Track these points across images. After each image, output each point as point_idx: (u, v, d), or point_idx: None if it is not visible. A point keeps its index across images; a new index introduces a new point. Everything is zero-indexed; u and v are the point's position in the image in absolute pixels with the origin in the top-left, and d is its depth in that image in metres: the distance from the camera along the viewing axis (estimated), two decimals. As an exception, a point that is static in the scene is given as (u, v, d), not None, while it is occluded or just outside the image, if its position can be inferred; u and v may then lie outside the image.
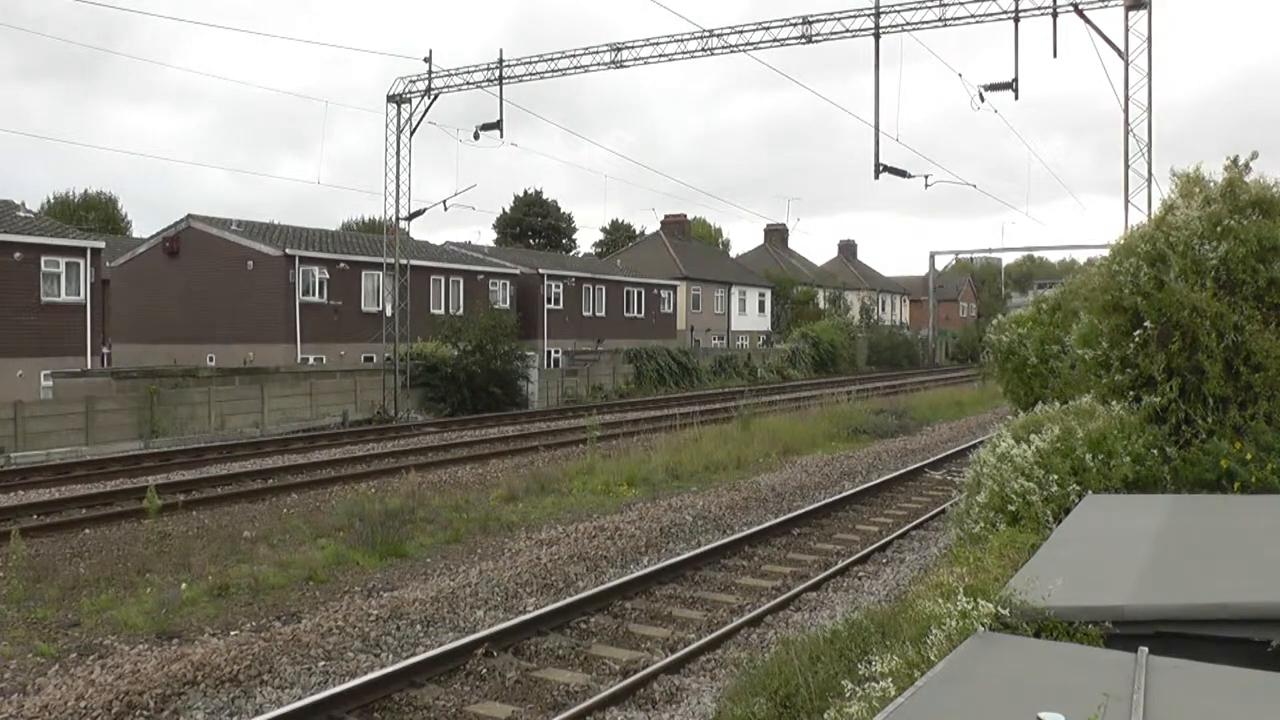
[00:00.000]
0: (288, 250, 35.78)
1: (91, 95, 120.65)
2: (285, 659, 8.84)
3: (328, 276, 37.01)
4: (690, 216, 73.36)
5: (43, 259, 29.44)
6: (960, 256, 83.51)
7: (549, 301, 48.21)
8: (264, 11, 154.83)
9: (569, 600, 10.39)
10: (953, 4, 23.11)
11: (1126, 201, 21.77)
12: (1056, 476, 7.76)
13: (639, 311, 55.16)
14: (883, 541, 13.74)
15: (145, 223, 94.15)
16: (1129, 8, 21.49)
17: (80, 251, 30.66)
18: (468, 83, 29.80)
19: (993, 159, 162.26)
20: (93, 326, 30.84)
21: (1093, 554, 5.97)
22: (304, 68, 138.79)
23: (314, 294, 36.58)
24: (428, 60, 30.29)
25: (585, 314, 50.95)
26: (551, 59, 28.17)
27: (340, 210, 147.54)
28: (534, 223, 79.30)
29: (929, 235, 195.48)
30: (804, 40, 24.76)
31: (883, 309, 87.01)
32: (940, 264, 79.18)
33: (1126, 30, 21.55)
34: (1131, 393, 8.76)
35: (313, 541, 13.50)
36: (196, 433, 26.10)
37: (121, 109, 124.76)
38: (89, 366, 28.91)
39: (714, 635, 9.42)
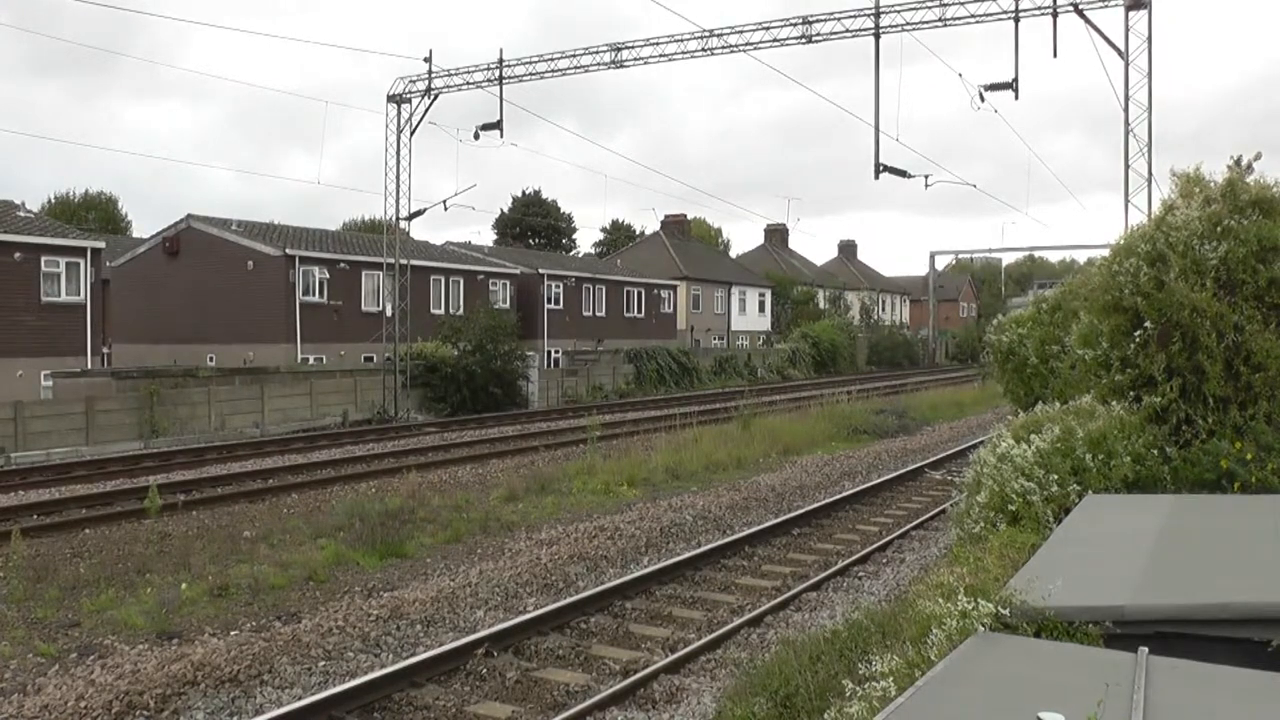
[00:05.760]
0: (288, 250, 35.78)
1: (102, 91, 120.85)
2: (285, 659, 8.84)
3: (328, 276, 37.00)
4: (690, 216, 73.42)
5: (43, 259, 29.44)
6: (960, 257, 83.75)
7: (549, 301, 48.20)
8: (275, 9, 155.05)
9: (569, 600, 10.39)
10: (953, 4, 23.12)
11: (1126, 201, 21.79)
12: (1056, 476, 7.76)
13: (639, 311, 55.15)
14: (883, 541, 13.74)
15: (148, 222, 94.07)
16: (1129, 8, 21.49)
17: (80, 251, 30.67)
18: (468, 83, 29.81)
19: (997, 159, 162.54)
20: (93, 326, 30.84)
21: (1093, 554, 5.97)
22: (314, 67, 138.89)
23: (314, 294, 36.58)
24: (428, 60, 30.32)
25: (585, 314, 50.94)
26: (551, 59, 28.19)
27: (346, 210, 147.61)
28: (534, 223, 79.32)
29: (929, 235, 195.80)
30: (804, 40, 24.76)
31: (883, 309, 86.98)
32: (940, 264, 79.36)
33: (1127, 30, 21.56)
34: (1131, 393, 8.76)
35: (313, 541, 13.50)
36: (196, 433, 26.10)
37: (131, 106, 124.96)
38: (89, 366, 28.90)
39: (714, 635, 9.42)
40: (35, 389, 26.50)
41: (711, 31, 25.81)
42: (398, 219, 32.19)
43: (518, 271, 47.10)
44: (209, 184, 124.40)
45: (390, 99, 31.18)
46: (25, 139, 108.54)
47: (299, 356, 35.14)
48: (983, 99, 23.18)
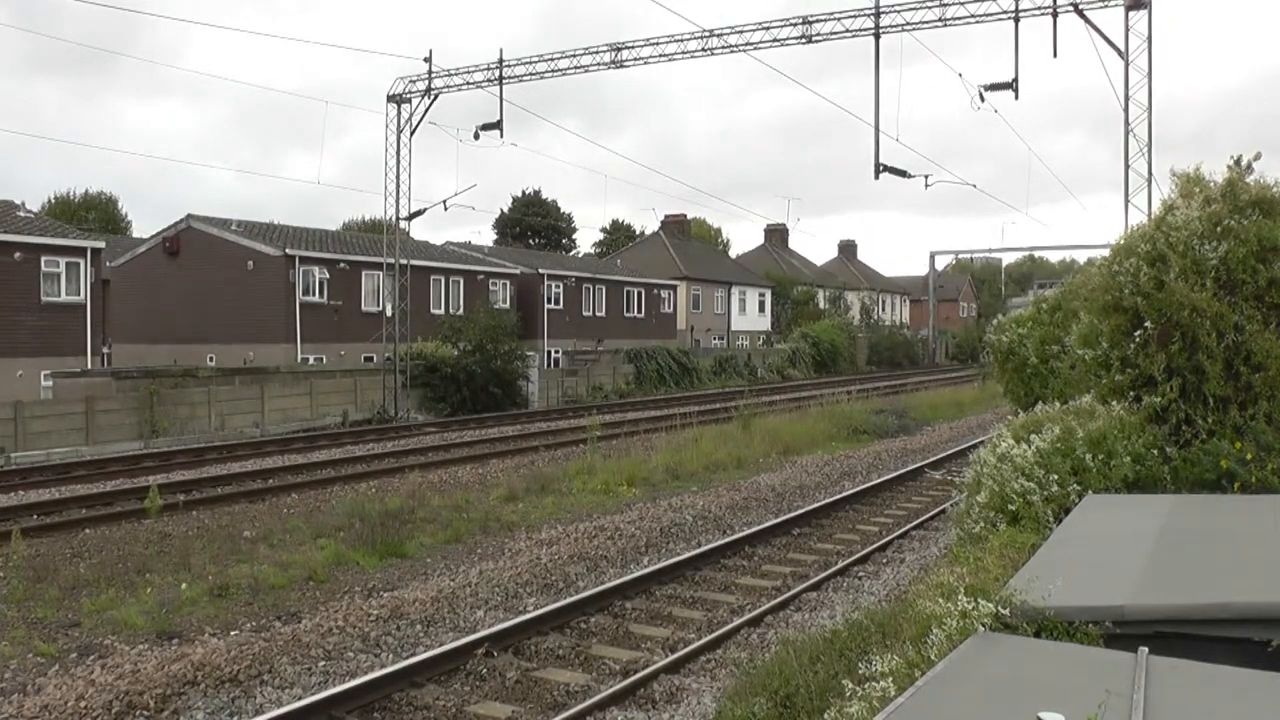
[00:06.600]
0: (288, 250, 35.78)
1: (102, 91, 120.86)
2: (285, 659, 8.83)
3: (328, 276, 37.00)
4: (690, 216, 73.43)
5: (43, 259, 29.44)
6: (960, 257, 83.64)
7: (549, 301, 48.20)
8: (275, 9, 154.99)
9: (569, 600, 10.39)
10: (953, 4, 23.11)
11: (1126, 201, 21.78)
12: (1057, 476, 7.76)
13: (639, 311, 55.15)
14: (883, 541, 13.74)
15: (148, 222, 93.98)
16: (1129, 8, 21.49)
17: (80, 251, 30.67)
18: (468, 83, 29.80)
19: (997, 159, 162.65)
20: (93, 326, 30.84)
21: (1093, 554, 5.96)
22: (314, 67, 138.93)
23: (314, 294, 36.58)
24: (428, 60, 30.31)
25: (585, 314, 50.94)
26: (551, 59, 28.18)
27: (346, 210, 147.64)
28: (534, 223, 79.33)
29: (929, 235, 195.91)
30: (804, 40, 24.75)
31: (883, 309, 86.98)
32: (940, 264, 79.29)
33: (1126, 30, 21.55)
34: (1132, 393, 8.76)
35: (313, 541, 13.50)
36: (196, 433, 26.10)
37: (132, 105, 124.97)
38: (89, 366, 28.90)
39: (714, 635, 9.42)
40: (35, 389, 26.51)
41: (712, 31, 25.81)
42: (398, 219, 32.19)
43: (518, 271, 47.10)
44: (209, 184, 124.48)
45: (390, 99, 31.18)
46: (25, 139, 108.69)
47: (299, 356, 35.14)
48: (983, 99, 23.18)
